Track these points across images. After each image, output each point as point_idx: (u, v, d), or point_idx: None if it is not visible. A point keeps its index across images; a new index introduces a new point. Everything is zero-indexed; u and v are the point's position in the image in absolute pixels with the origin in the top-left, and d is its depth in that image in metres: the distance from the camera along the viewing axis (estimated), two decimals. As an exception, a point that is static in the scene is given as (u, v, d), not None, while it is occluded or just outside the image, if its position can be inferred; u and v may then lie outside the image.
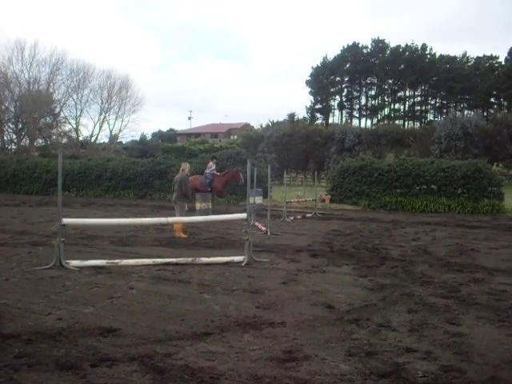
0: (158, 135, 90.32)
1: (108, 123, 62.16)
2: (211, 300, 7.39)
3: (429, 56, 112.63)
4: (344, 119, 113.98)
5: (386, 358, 5.08)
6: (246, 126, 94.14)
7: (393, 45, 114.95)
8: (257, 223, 17.46)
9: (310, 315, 6.60)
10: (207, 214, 19.46)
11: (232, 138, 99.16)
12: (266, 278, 9.07)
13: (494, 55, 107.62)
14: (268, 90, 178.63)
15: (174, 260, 10.45)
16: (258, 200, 24.14)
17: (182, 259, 10.51)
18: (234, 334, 5.82)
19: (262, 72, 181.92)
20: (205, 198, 21.57)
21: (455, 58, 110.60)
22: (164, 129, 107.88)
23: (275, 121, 69.45)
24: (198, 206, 21.18)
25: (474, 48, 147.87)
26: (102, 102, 60.77)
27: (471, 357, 5.16)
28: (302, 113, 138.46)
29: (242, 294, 7.78)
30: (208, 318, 6.41)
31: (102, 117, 60.99)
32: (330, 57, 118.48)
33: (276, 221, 18.84)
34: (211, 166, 24.40)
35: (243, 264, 10.34)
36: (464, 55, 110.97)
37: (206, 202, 21.40)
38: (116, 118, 61.86)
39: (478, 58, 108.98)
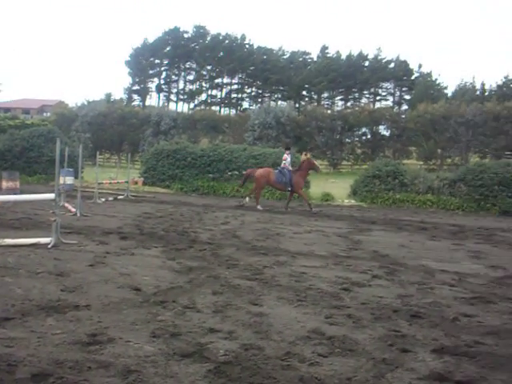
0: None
1: None
2: (13, 283, 7.02)
3: (247, 46, 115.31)
4: (161, 102, 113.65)
5: (189, 338, 5.15)
6: (61, 104, 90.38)
7: (213, 32, 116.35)
8: (66, 204, 16.92)
9: (117, 298, 6.52)
10: (14, 194, 18.48)
11: (45, 115, 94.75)
12: (73, 260, 8.81)
13: (307, 51, 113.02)
14: (85, 68, 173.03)
15: (-27, 241, 9.84)
16: (69, 180, 23.43)
17: (-18, 240, 9.92)
18: (36, 318, 5.58)
19: (78, 49, 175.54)
20: (12, 175, 20.37)
21: (272, 50, 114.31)
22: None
23: (91, 100, 67.48)
24: (4, 185, 19.99)
25: (290, 43, 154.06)
26: None
27: (270, 335, 5.40)
28: (119, 93, 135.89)
29: (47, 277, 7.49)
30: (9, 303, 6.08)
31: None
32: (151, 39, 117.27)
33: (86, 202, 18.39)
34: (286, 158, 21.75)
35: (50, 246, 9.96)
36: (280, 48, 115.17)
37: (13, 180, 20.20)
38: None
39: (293, 52, 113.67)
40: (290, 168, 21.57)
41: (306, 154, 22.91)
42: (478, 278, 9.29)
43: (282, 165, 21.76)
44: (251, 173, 22.55)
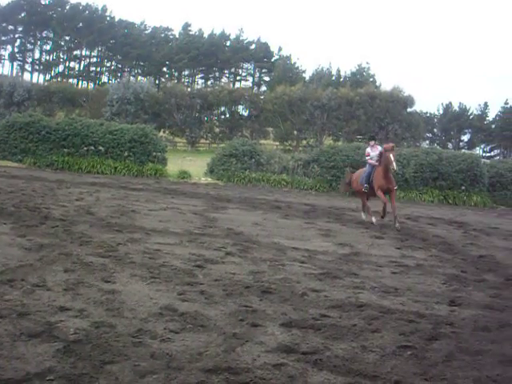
0: None
1: None
2: None
3: (108, 18, 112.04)
4: (15, 72, 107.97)
5: (38, 317, 5.02)
6: None
7: (73, 1, 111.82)
8: None
9: (-41, 276, 6.22)
10: None
11: None
12: None
13: (169, 27, 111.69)
14: None
15: None
16: None
17: None
18: None
19: None
20: None
21: (134, 24, 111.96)
22: None
23: None
24: None
25: (152, 18, 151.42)
26: None
27: (122, 312, 5.39)
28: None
29: None
30: None
31: None
32: (4, 2, 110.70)
33: None
34: (369, 153, 15.61)
35: None
36: (142, 23, 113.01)
37: None
38: None
39: (155, 27, 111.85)
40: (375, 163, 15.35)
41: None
42: (326, 255, 9.75)
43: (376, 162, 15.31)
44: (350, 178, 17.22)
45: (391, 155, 14.28)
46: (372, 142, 16.00)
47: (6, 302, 5.42)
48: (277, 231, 12.31)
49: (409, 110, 53.30)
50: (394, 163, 14.38)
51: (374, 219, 15.04)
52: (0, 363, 3.99)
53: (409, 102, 52.40)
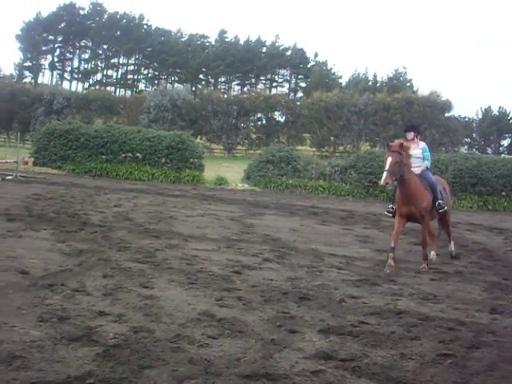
0: None
1: None
2: None
3: (145, 27, 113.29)
4: (55, 80, 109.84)
5: (78, 322, 5.08)
6: None
7: (111, 11, 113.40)
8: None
9: (2, 281, 6.30)
10: None
11: None
12: (-45, 242, 8.46)
13: (205, 35, 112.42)
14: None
15: None
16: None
17: None
18: None
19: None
20: None
21: (170, 32, 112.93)
22: None
23: (-22, 74, 64.36)
24: None
25: (188, 25, 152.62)
26: None
27: (160, 317, 5.41)
28: (9, 69, 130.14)
29: None
30: None
31: None
32: (45, 13, 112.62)
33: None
34: (413, 148, 10.16)
35: None
36: (179, 30, 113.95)
37: None
38: None
39: (191, 35, 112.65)
40: (426, 166, 10.39)
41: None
42: (364, 261, 9.68)
43: (419, 168, 10.13)
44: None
45: (389, 158, 9.30)
46: (411, 135, 10.54)
47: (47, 306, 5.51)
48: (314, 237, 12.26)
49: (447, 114, 52.81)
50: (384, 175, 9.19)
51: (433, 254, 10.38)
52: (42, 366, 4.04)
53: (447, 106, 51.90)
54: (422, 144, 10.70)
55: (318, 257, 9.67)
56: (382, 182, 9.29)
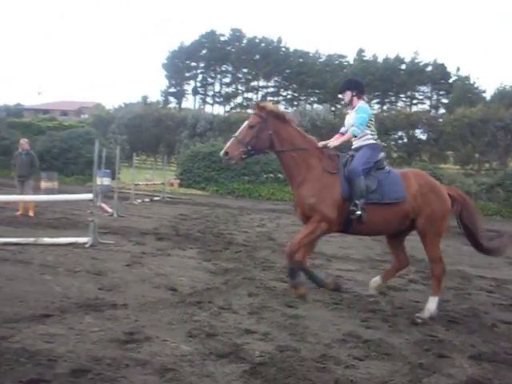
0: (3, 109, 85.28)
1: None
2: (52, 281, 7.15)
3: (283, 49, 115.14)
4: (197, 105, 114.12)
5: (225, 339, 5.19)
6: (98, 106, 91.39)
7: (249, 35, 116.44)
8: (103, 204, 17.11)
9: (153, 297, 6.59)
10: (52, 194, 18.61)
11: (83, 116, 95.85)
12: (110, 260, 8.93)
13: (343, 54, 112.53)
14: (123, 71, 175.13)
15: (13, 240, 10.00)
16: (106, 181, 23.65)
17: (22, 239, 10.08)
18: (74, 315, 5.67)
19: (118, 52, 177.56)
20: (50, 176, 20.47)
21: (308, 53, 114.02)
22: (11, 103, 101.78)
23: (128, 102, 68.07)
24: (43, 185, 20.10)
25: (326, 46, 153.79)
26: None
27: (305, 337, 5.42)
28: (156, 96, 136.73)
29: (85, 276, 7.60)
30: (48, 300, 6.19)
31: None
32: (188, 42, 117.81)
33: (123, 203, 18.57)
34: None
35: (87, 245, 10.12)
36: (316, 51, 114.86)
37: (51, 181, 20.26)
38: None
39: (329, 55, 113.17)
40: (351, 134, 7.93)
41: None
42: (517, 284, 9.17)
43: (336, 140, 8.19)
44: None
45: (245, 122, 7.85)
46: (348, 95, 8.50)
47: (195, 322, 5.68)
48: (460, 258, 11.79)
49: None
50: (229, 143, 7.23)
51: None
52: (192, 380, 4.18)
53: None
54: (359, 104, 7.97)
55: (466, 279, 9.30)
56: (221, 152, 7.04)
